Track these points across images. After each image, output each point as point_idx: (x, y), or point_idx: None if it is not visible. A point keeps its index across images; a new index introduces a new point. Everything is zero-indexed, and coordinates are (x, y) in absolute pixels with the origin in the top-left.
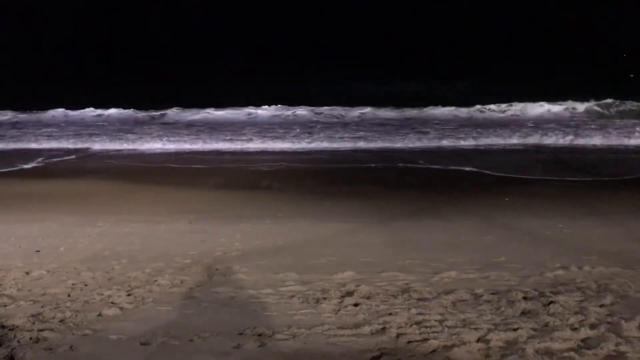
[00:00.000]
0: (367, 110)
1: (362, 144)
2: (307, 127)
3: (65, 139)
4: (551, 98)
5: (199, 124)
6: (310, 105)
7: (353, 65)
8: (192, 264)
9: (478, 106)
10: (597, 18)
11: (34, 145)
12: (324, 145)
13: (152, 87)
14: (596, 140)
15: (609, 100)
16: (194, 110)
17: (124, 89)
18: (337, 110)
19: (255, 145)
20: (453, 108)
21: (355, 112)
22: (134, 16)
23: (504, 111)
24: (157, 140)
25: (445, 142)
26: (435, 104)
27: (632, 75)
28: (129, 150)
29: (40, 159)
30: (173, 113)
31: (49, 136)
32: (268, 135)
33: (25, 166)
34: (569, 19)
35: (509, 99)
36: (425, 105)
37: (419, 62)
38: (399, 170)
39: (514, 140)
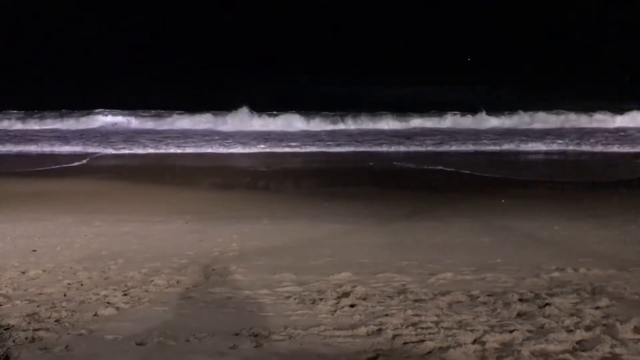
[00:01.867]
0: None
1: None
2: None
3: (69, 143)
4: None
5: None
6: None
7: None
8: (189, 264)
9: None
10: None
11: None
12: (323, 147)
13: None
14: None
15: None
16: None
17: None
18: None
19: (255, 147)
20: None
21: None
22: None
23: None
24: (157, 142)
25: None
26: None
27: (627, 78)
28: (130, 153)
29: (42, 162)
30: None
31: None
32: (267, 138)
33: (26, 168)
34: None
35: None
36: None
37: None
38: (396, 172)
39: None
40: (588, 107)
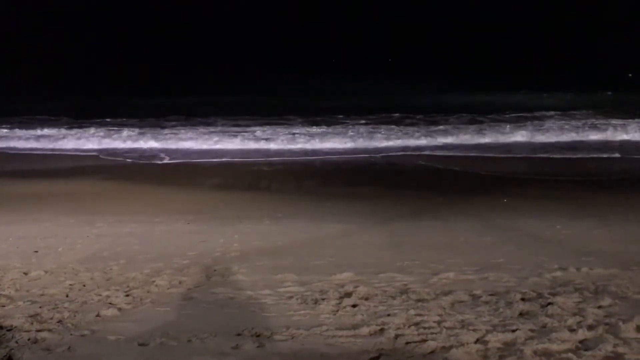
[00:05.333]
0: None
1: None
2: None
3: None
4: None
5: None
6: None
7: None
8: (191, 265)
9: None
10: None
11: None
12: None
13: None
14: None
15: None
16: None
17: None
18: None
19: (255, 146)
20: None
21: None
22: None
23: None
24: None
25: None
26: None
27: (630, 75)
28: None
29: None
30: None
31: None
32: (267, 137)
33: (24, 167)
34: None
35: None
36: None
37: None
38: (398, 171)
39: None
40: None
